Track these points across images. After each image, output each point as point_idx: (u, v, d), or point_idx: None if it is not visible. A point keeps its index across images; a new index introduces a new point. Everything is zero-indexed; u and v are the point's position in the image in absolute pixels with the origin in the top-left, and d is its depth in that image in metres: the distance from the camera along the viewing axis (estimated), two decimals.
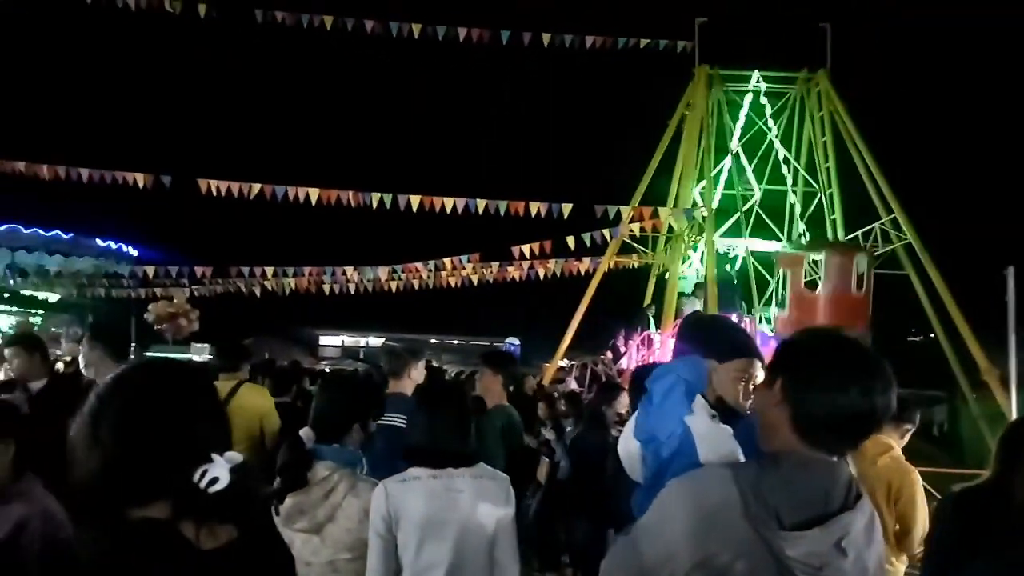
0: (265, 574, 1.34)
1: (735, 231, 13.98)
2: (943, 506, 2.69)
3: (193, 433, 1.26)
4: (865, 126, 13.80)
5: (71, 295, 23.16)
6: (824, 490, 1.45)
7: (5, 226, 26.03)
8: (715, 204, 13.75)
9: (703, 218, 13.35)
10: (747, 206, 14.34)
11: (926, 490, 3.63)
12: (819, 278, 11.77)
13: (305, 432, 2.44)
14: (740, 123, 14.72)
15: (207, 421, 1.31)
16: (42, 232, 27.58)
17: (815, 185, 14.73)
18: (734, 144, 14.51)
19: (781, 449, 1.49)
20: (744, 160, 14.65)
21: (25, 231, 26.94)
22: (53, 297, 22.84)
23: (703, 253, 13.77)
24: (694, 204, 13.78)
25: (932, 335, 13.52)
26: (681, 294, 13.19)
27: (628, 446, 2.17)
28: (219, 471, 1.21)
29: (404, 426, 3.29)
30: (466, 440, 2.46)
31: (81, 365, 4.27)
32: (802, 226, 14.71)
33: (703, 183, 14.01)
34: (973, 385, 12.21)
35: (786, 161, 14.77)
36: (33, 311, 17.58)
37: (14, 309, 17.83)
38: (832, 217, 14.31)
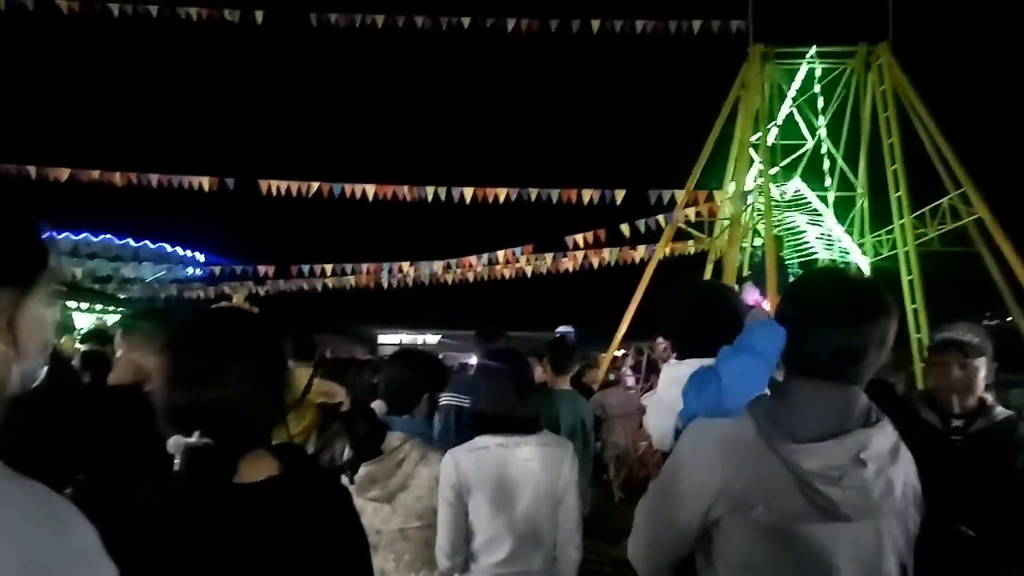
0: (310, 513, 1.36)
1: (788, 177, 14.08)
2: None
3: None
4: (929, 99, 13.31)
5: (142, 299, 24.20)
6: (836, 411, 1.48)
7: (84, 235, 27.23)
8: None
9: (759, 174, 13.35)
10: (801, 151, 14.38)
11: None
12: None
13: (377, 404, 2.53)
14: (792, 90, 14.59)
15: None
16: (116, 240, 28.81)
17: (855, 184, 14.57)
18: (771, 133, 14.34)
19: (790, 379, 1.55)
20: (798, 116, 14.66)
21: (94, 239, 28.14)
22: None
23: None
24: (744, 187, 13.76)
25: (1009, 319, 12.97)
26: (742, 279, 12.97)
27: (664, 422, 2.02)
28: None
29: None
30: (529, 406, 2.51)
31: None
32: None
33: (758, 135, 13.91)
34: None
35: (831, 157, 14.60)
36: (112, 309, 18.46)
37: (96, 307, 18.74)
38: (897, 195, 13.84)
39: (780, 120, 14.64)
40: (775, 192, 13.65)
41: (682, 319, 2.15)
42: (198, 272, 27.54)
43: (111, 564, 0.81)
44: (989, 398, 2.72)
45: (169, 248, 32.04)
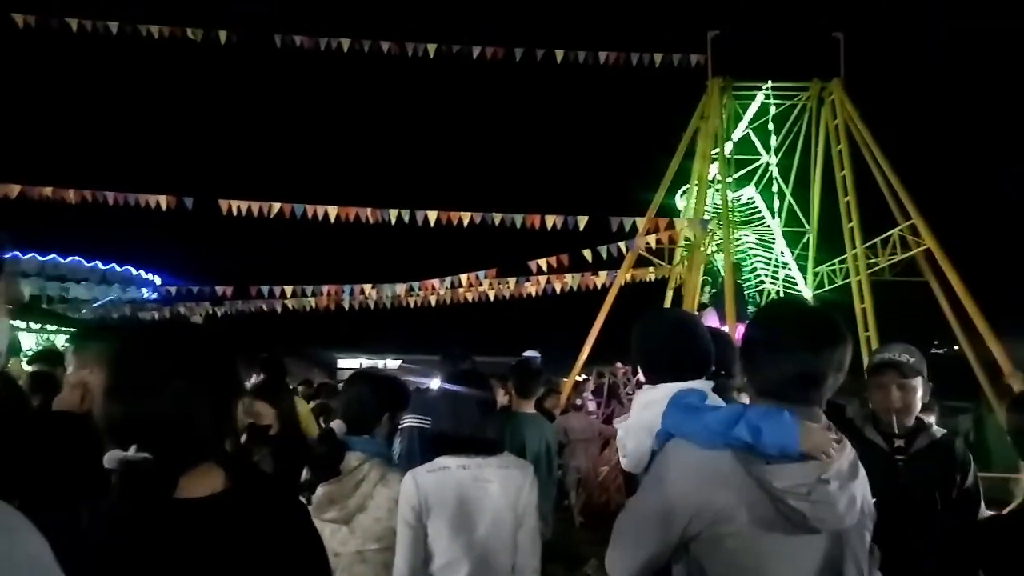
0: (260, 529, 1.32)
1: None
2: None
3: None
4: (880, 134, 13.80)
5: (94, 320, 23.57)
6: None
7: (52, 256, 26.40)
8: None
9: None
10: (755, 165, 14.75)
11: None
12: None
13: (336, 424, 2.50)
14: (740, 128, 15.06)
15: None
16: (85, 262, 27.99)
17: (803, 222, 15.06)
18: (728, 146, 14.76)
19: (758, 402, 1.68)
20: (753, 137, 15.09)
21: (63, 260, 27.33)
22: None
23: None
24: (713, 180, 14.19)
25: (956, 347, 13.37)
26: (702, 305, 13.17)
27: (641, 445, 2.06)
28: None
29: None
30: (491, 428, 2.51)
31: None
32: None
33: (716, 149, 14.29)
34: (999, 392, 12.05)
35: (781, 195, 15.10)
36: (62, 330, 17.89)
37: (47, 327, 18.13)
38: (850, 225, 14.26)
39: (736, 137, 15.10)
40: (729, 196, 14.06)
41: (657, 346, 2.22)
42: (153, 295, 26.93)
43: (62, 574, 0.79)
44: (925, 418, 2.80)
45: (134, 271, 31.34)
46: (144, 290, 29.39)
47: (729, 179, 14.27)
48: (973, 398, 13.47)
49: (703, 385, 2.03)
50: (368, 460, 2.45)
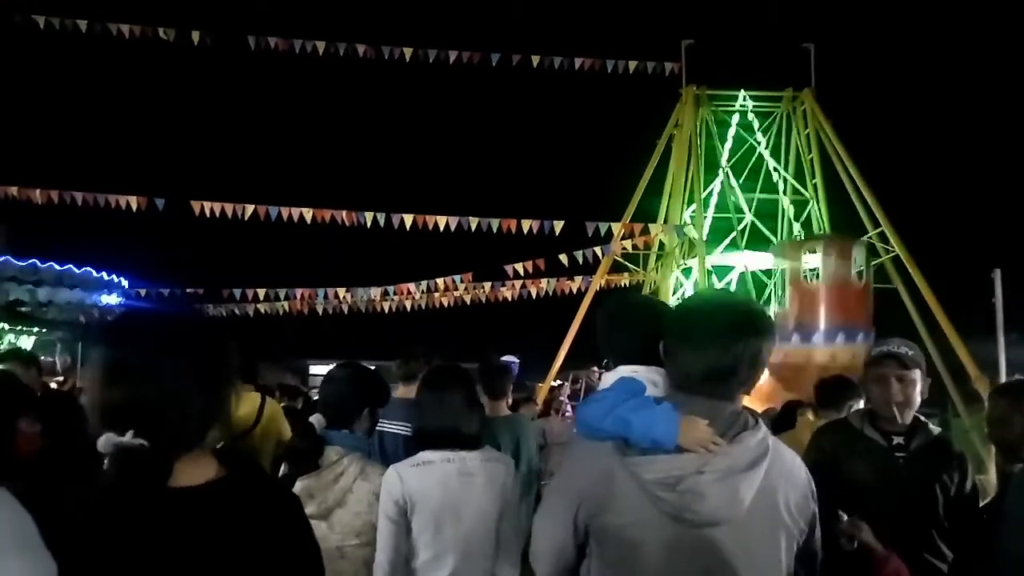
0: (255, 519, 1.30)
1: (729, 247, 14.36)
2: None
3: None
4: (850, 142, 14.06)
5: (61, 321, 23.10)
6: None
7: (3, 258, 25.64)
8: (706, 228, 14.01)
9: (692, 240, 13.64)
10: (741, 227, 14.69)
11: None
12: (817, 274, 11.89)
13: (316, 418, 2.47)
14: (728, 143, 15.01)
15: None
16: (39, 263, 27.19)
17: (805, 193, 14.99)
18: (724, 161, 14.78)
19: (670, 394, 1.70)
20: (733, 180, 14.94)
21: (19, 263, 26.59)
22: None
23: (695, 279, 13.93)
24: (684, 223, 14.07)
25: (923, 352, 13.59)
26: None
27: None
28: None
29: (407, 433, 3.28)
30: (474, 421, 2.49)
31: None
32: (797, 227, 15.04)
33: (694, 207, 14.21)
34: (965, 397, 12.27)
35: (775, 171, 15.06)
36: (36, 331, 17.50)
37: (19, 328, 17.71)
38: (821, 232, 14.50)
39: (717, 188, 14.98)
40: (715, 260, 13.98)
41: (611, 329, 2.14)
42: (119, 300, 26.42)
43: (48, 556, 0.76)
44: (922, 416, 2.74)
45: (94, 273, 30.66)
46: (111, 298, 28.79)
47: (712, 257, 14.04)
48: (940, 403, 13.69)
49: (653, 373, 1.89)
50: (347, 454, 2.42)
